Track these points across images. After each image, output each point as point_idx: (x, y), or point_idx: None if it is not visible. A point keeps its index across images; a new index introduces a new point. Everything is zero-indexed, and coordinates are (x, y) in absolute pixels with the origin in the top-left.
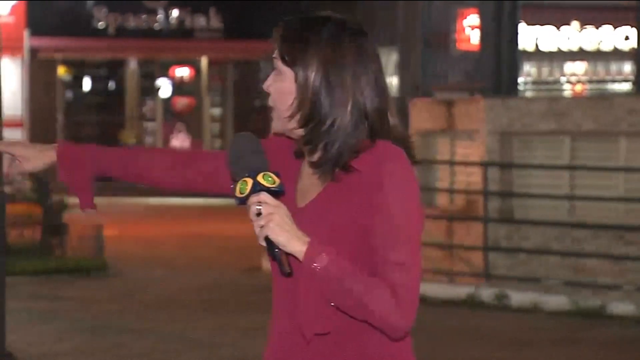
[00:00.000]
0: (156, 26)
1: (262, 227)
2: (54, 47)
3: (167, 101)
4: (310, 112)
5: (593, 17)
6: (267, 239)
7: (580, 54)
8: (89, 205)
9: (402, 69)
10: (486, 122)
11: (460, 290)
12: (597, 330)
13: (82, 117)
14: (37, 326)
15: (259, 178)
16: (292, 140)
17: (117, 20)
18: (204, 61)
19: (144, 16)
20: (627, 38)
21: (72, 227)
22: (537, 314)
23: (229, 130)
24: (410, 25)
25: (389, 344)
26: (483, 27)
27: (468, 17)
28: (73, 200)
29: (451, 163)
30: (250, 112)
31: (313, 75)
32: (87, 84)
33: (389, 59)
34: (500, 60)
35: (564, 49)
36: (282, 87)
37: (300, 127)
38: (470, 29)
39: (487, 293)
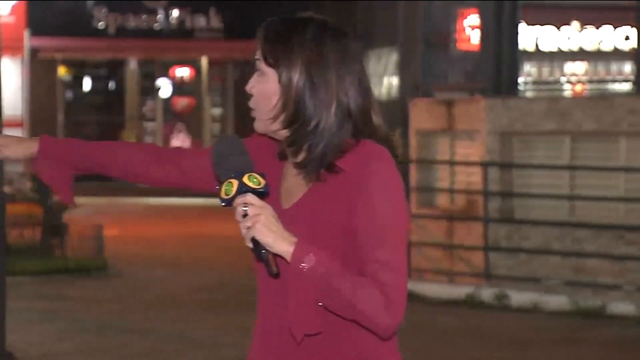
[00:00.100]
0: (156, 26)
1: (248, 228)
2: (54, 47)
3: (167, 101)
4: (295, 113)
5: (593, 17)
6: (253, 240)
7: (580, 54)
8: (69, 200)
9: (403, 69)
10: (486, 122)
11: (460, 290)
12: (598, 330)
13: (83, 117)
14: (37, 326)
15: (245, 179)
16: (275, 141)
17: (117, 20)
18: (204, 61)
19: (144, 16)
20: (627, 38)
21: (72, 227)
22: (537, 314)
23: (229, 130)
24: (410, 25)
25: (376, 343)
26: (483, 27)
27: (468, 17)
28: (75, 200)
29: (451, 163)
30: (251, 112)
31: (297, 76)
32: (87, 84)
33: (389, 59)
34: (500, 60)
35: (564, 49)
36: (265, 88)
37: (284, 128)
38: (470, 29)
39: (487, 293)
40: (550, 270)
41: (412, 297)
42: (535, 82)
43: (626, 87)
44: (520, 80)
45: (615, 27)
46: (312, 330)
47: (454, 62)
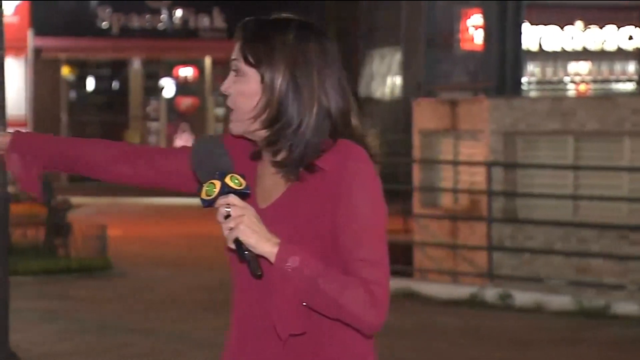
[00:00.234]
0: (160, 26)
1: (231, 229)
2: (58, 47)
3: (171, 101)
4: (277, 114)
5: (597, 17)
6: (236, 241)
7: (584, 54)
8: (37, 195)
9: (406, 69)
10: (490, 122)
11: (464, 290)
12: (601, 330)
13: (86, 116)
14: (40, 326)
15: (227, 180)
16: (249, 141)
17: (120, 20)
18: (207, 61)
19: (147, 16)
20: (631, 38)
21: (75, 227)
22: (541, 314)
23: None
24: (413, 25)
25: (357, 343)
26: (487, 27)
27: (472, 17)
28: (77, 200)
29: (455, 163)
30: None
31: (280, 77)
32: (90, 83)
33: (393, 58)
34: (504, 60)
35: (568, 48)
36: (246, 88)
37: (264, 128)
38: (474, 29)
39: (491, 293)
40: (553, 270)
41: (416, 297)
42: (538, 82)
43: (630, 87)
44: (524, 80)
45: (618, 27)
46: (297, 330)
47: (457, 62)
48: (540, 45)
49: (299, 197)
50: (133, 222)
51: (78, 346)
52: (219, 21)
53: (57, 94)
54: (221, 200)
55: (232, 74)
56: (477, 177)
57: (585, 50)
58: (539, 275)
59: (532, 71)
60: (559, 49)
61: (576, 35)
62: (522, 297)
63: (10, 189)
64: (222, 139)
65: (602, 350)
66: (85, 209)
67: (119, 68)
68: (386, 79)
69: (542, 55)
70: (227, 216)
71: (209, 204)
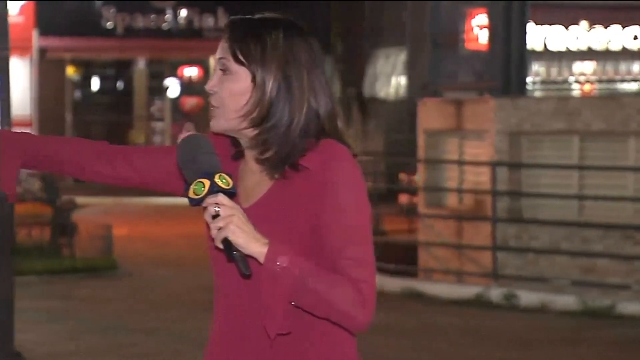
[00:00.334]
0: (165, 26)
1: (219, 229)
2: (63, 47)
3: (175, 101)
4: (267, 113)
5: (602, 16)
6: (225, 240)
7: (589, 54)
8: (11, 196)
9: (411, 69)
10: (495, 122)
11: (468, 290)
12: (606, 330)
13: (91, 116)
14: (45, 326)
15: (216, 179)
16: (229, 139)
17: (125, 20)
18: (212, 61)
19: (152, 16)
20: (635, 38)
21: (81, 227)
22: (545, 314)
23: None
24: (418, 25)
25: (344, 342)
26: (492, 27)
27: (477, 17)
28: (82, 200)
29: (460, 163)
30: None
31: (272, 76)
32: (95, 83)
33: (397, 58)
34: (509, 60)
35: (573, 48)
36: (235, 87)
37: (253, 127)
38: (479, 29)
39: (495, 293)
40: (558, 270)
41: (421, 297)
42: (543, 82)
43: (635, 86)
44: (529, 80)
45: (623, 27)
46: (285, 329)
47: (462, 62)
48: (545, 45)
49: (283, 196)
50: (138, 221)
51: (83, 346)
52: (224, 21)
53: (62, 94)
54: (210, 200)
55: (217, 72)
56: (482, 177)
57: (590, 50)
58: (543, 275)
59: (537, 71)
60: (563, 49)
61: (581, 35)
62: (527, 297)
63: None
64: (208, 137)
65: (609, 350)
66: (90, 208)
67: (123, 68)
68: (391, 79)
69: (547, 55)
70: (216, 216)
71: (197, 202)
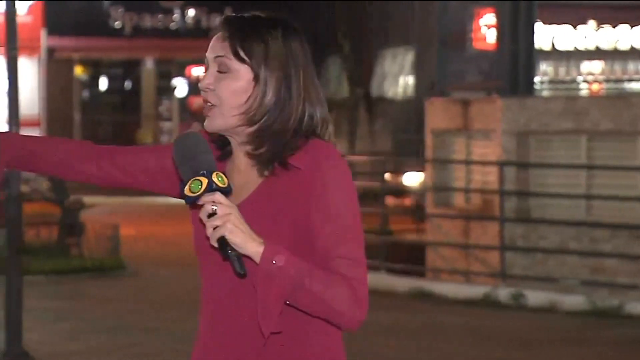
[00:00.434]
0: (172, 26)
1: (216, 227)
2: (71, 46)
3: (183, 101)
4: (267, 111)
5: (610, 16)
6: (220, 239)
7: (597, 53)
8: None
9: (418, 69)
10: (503, 122)
11: (476, 290)
12: (615, 330)
13: (99, 116)
14: (53, 325)
15: (214, 177)
16: (218, 138)
17: (133, 20)
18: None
19: (160, 16)
20: None
21: (89, 227)
22: (553, 314)
23: None
24: (426, 25)
25: (336, 340)
26: (499, 26)
27: (484, 17)
28: (90, 199)
29: (468, 162)
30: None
31: (274, 75)
32: (103, 83)
33: (405, 58)
34: (516, 60)
35: (581, 48)
36: (236, 85)
37: (252, 125)
38: (486, 28)
39: (503, 293)
40: (567, 270)
41: (428, 297)
42: (551, 82)
43: None
44: (537, 79)
45: (632, 26)
46: (278, 328)
47: (470, 62)
48: (553, 44)
49: (271, 195)
50: (145, 221)
51: (90, 345)
52: None
53: (70, 94)
54: (207, 198)
55: (212, 70)
56: (489, 177)
57: (598, 49)
58: (551, 275)
59: (545, 70)
60: (571, 48)
61: (589, 35)
62: (535, 297)
63: (24, 188)
64: (203, 135)
65: (617, 350)
66: (98, 208)
67: (131, 68)
68: (398, 79)
69: (555, 54)
70: (212, 214)
71: (193, 200)
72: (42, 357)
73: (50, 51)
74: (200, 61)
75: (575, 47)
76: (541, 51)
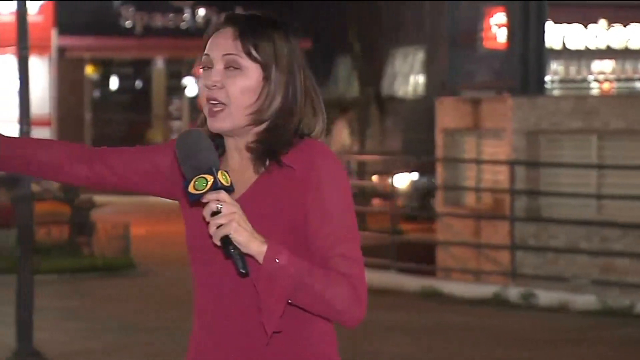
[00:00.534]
0: (183, 25)
1: (219, 226)
2: (82, 46)
3: (193, 100)
4: (275, 111)
5: (621, 15)
6: (223, 238)
7: (607, 52)
8: None
9: (429, 68)
10: (513, 121)
11: (487, 289)
12: (626, 329)
13: (110, 115)
14: (64, 324)
15: (219, 175)
16: (215, 137)
17: (144, 20)
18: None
19: (170, 15)
20: None
21: (99, 226)
22: (565, 314)
23: None
24: (436, 24)
25: (326, 340)
26: (510, 26)
27: (495, 16)
28: (100, 198)
29: (478, 162)
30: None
31: (285, 75)
32: (114, 82)
33: (416, 57)
34: (527, 59)
35: (592, 47)
36: (247, 83)
37: (260, 124)
38: (497, 28)
39: (514, 292)
40: (577, 270)
41: (439, 296)
42: (562, 81)
43: None
44: (548, 78)
45: None
46: (280, 327)
47: (480, 61)
48: (563, 43)
49: (265, 193)
50: (155, 220)
51: (102, 345)
52: None
53: (80, 93)
54: (211, 196)
55: (218, 67)
56: (500, 176)
57: (609, 48)
58: (562, 274)
59: (555, 70)
60: (582, 48)
61: (600, 34)
62: (546, 297)
63: (35, 188)
64: (206, 133)
65: (628, 349)
66: (109, 207)
67: (142, 67)
68: (409, 78)
69: (565, 53)
70: (216, 212)
71: (197, 198)
72: (52, 356)
73: (61, 51)
74: None
75: (586, 46)
76: (552, 50)
